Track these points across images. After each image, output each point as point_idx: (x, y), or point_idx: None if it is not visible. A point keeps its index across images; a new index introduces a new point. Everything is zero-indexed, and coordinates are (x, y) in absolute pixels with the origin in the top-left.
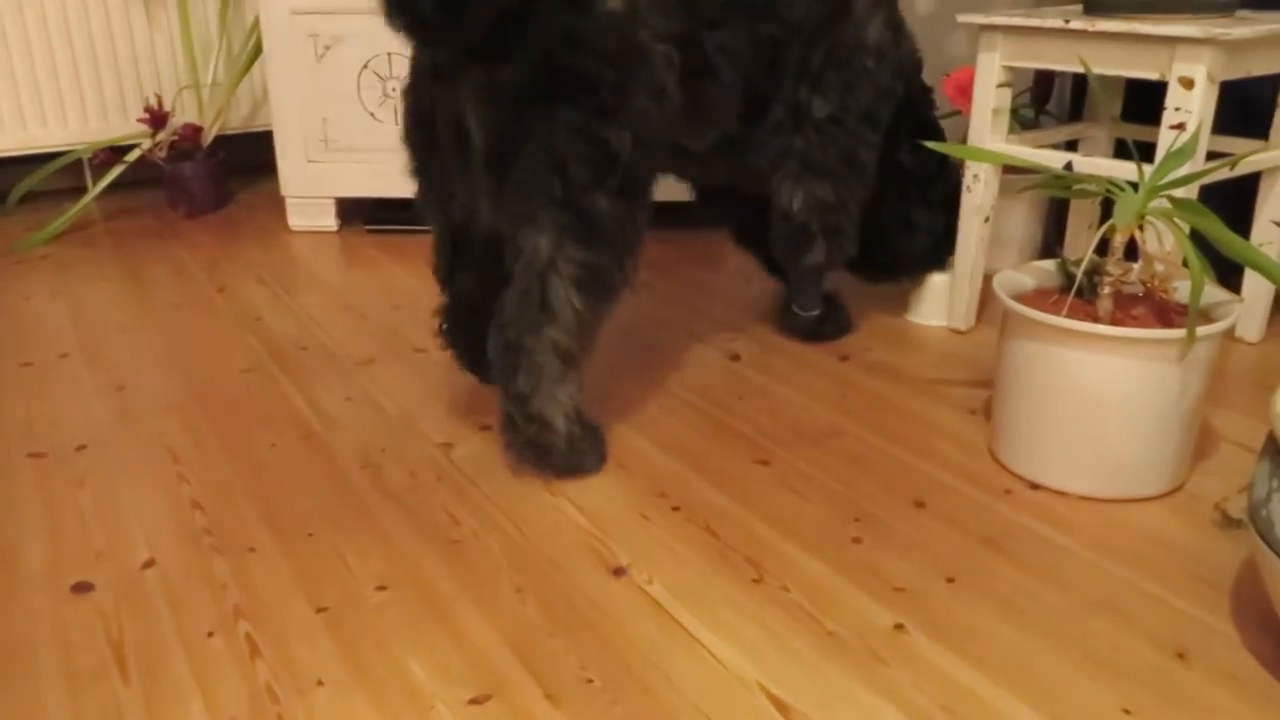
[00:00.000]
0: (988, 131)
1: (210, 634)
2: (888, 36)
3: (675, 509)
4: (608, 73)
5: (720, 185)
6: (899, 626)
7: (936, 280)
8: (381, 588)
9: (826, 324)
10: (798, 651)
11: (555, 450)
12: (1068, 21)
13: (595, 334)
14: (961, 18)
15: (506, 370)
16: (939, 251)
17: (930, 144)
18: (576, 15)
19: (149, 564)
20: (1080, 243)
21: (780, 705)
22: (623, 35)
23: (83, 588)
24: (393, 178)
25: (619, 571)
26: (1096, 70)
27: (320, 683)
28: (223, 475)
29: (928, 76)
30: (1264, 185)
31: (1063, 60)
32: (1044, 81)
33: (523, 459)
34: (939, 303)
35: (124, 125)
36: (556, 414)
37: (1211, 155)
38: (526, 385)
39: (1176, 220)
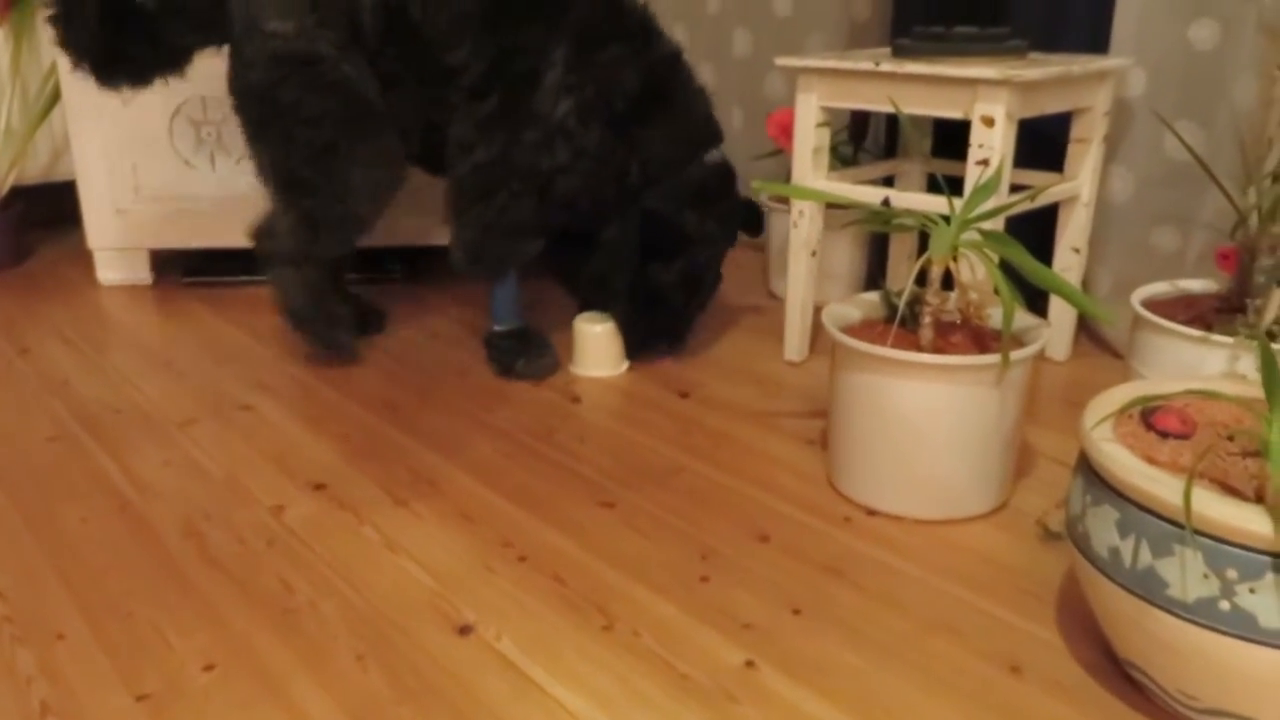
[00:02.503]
0: (810, 169)
1: None
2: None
3: (521, 559)
4: None
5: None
6: (749, 663)
7: (595, 331)
8: (209, 667)
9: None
10: (650, 697)
11: None
12: (878, 64)
13: None
14: (780, 61)
15: None
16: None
17: (761, 183)
18: None
19: None
20: (900, 274)
21: None
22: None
23: None
24: (212, 228)
25: (465, 630)
26: (906, 110)
27: None
28: (26, 555)
29: (749, 117)
30: (1062, 214)
31: (875, 101)
32: (860, 120)
33: None
34: (599, 354)
35: None
36: None
37: (1013, 188)
38: None
39: (986, 251)
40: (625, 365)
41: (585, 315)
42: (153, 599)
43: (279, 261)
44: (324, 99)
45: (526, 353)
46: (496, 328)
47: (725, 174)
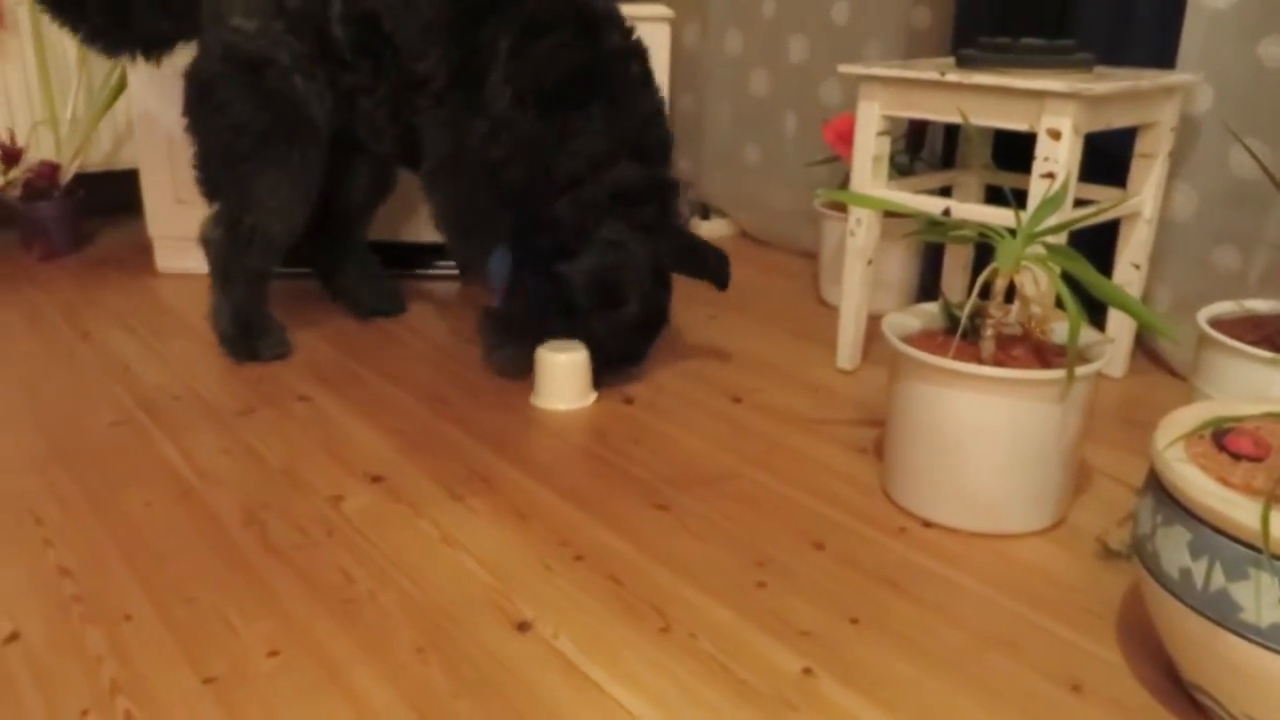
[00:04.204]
0: (869, 178)
1: (85, 712)
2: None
3: (577, 558)
4: None
5: None
6: (807, 671)
7: (558, 361)
8: (273, 653)
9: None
10: (709, 701)
11: None
12: (943, 74)
13: None
14: (843, 68)
15: None
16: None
17: (825, 191)
18: None
19: (12, 638)
20: (956, 285)
21: None
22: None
23: None
24: None
25: (524, 626)
26: (970, 121)
27: None
28: (92, 538)
29: (803, 124)
30: (1124, 230)
31: (938, 111)
32: (917, 130)
33: None
34: (562, 386)
35: None
36: None
37: (1075, 202)
38: None
39: (1050, 264)
40: (592, 397)
41: (550, 343)
42: (216, 584)
43: (213, 272)
44: (252, 107)
45: (511, 343)
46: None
47: (661, 188)
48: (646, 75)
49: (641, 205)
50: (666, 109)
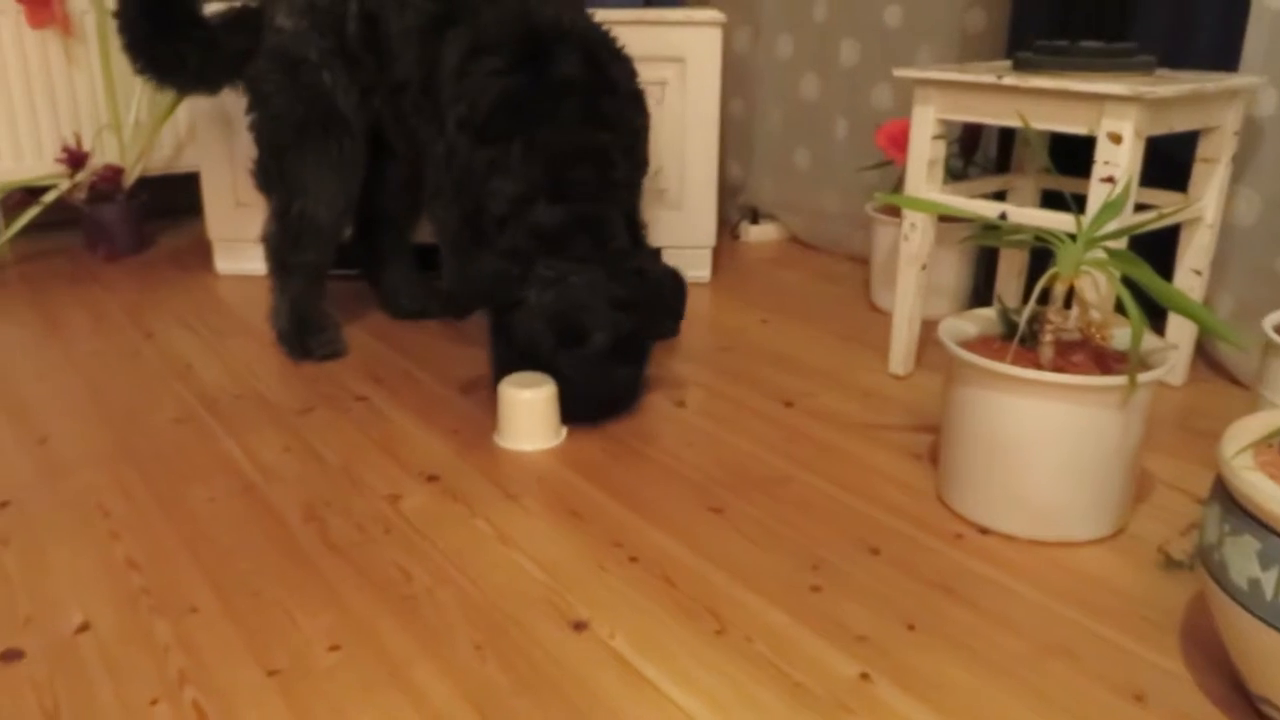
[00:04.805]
0: (924, 182)
1: (154, 702)
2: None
3: (632, 559)
4: None
5: None
6: (864, 676)
7: (521, 398)
8: (334, 648)
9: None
10: (766, 704)
11: None
12: (1000, 78)
13: None
14: (898, 72)
15: None
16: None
17: (881, 195)
18: None
19: (83, 628)
20: (1010, 290)
21: None
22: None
23: (11, 655)
24: None
25: (580, 625)
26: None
27: None
28: (158, 532)
29: (854, 128)
30: (1184, 235)
31: (995, 114)
32: (971, 134)
33: None
34: (529, 426)
35: (39, 165)
36: None
37: (1135, 208)
38: None
39: (1111, 269)
40: (562, 435)
41: (514, 378)
42: (279, 579)
43: (271, 268)
44: (289, 100)
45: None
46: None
47: (587, 223)
48: (588, 109)
49: (570, 243)
50: (627, 145)
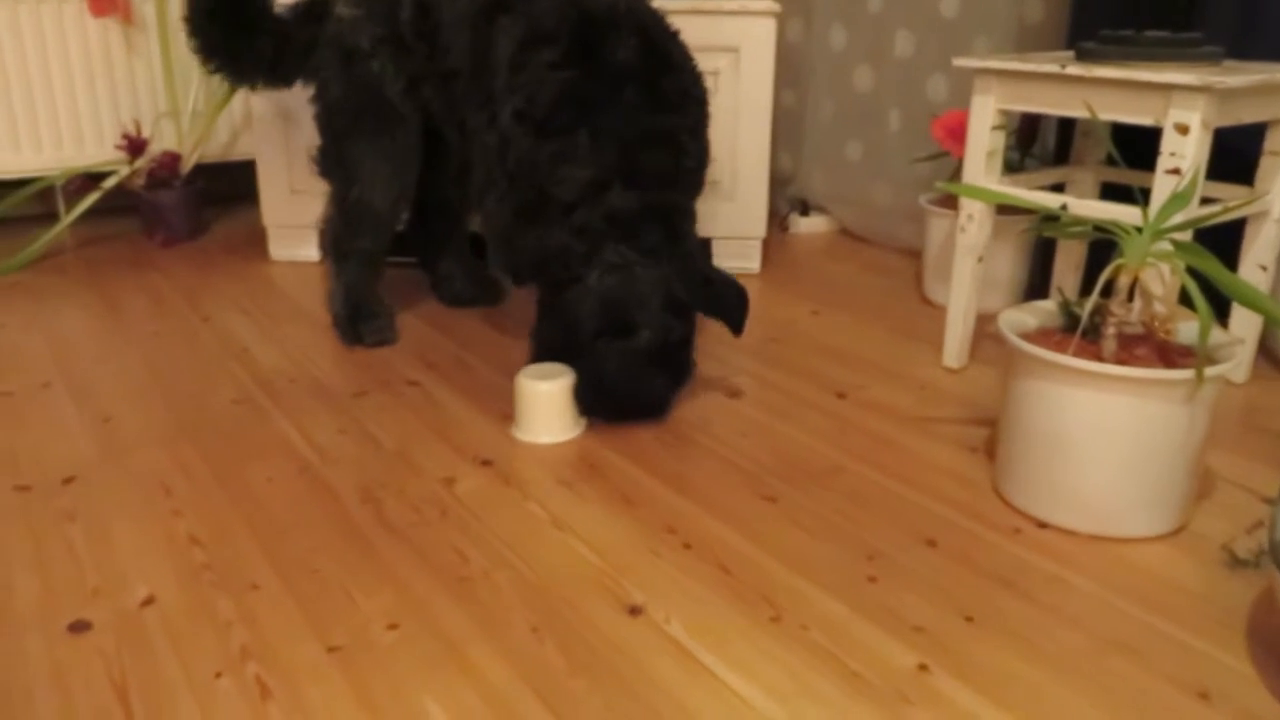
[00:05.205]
0: (982, 173)
1: (218, 674)
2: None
3: (686, 546)
4: None
5: None
6: (922, 667)
7: (539, 390)
8: (393, 626)
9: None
10: (823, 692)
11: None
12: (1064, 67)
13: None
14: (957, 61)
15: None
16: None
17: (943, 184)
18: None
19: (148, 601)
20: (1068, 283)
21: None
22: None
23: (80, 627)
24: None
25: (635, 610)
26: (1089, 116)
27: None
28: (219, 510)
29: (908, 120)
30: (1249, 230)
31: (1057, 105)
32: (1029, 125)
33: None
34: (546, 418)
35: (99, 152)
36: None
37: (1200, 200)
38: None
39: (1177, 262)
40: (581, 427)
41: (531, 369)
42: (337, 558)
43: (328, 254)
44: (344, 89)
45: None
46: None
47: (664, 214)
48: (651, 93)
49: (642, 231)
50: (692, 125)
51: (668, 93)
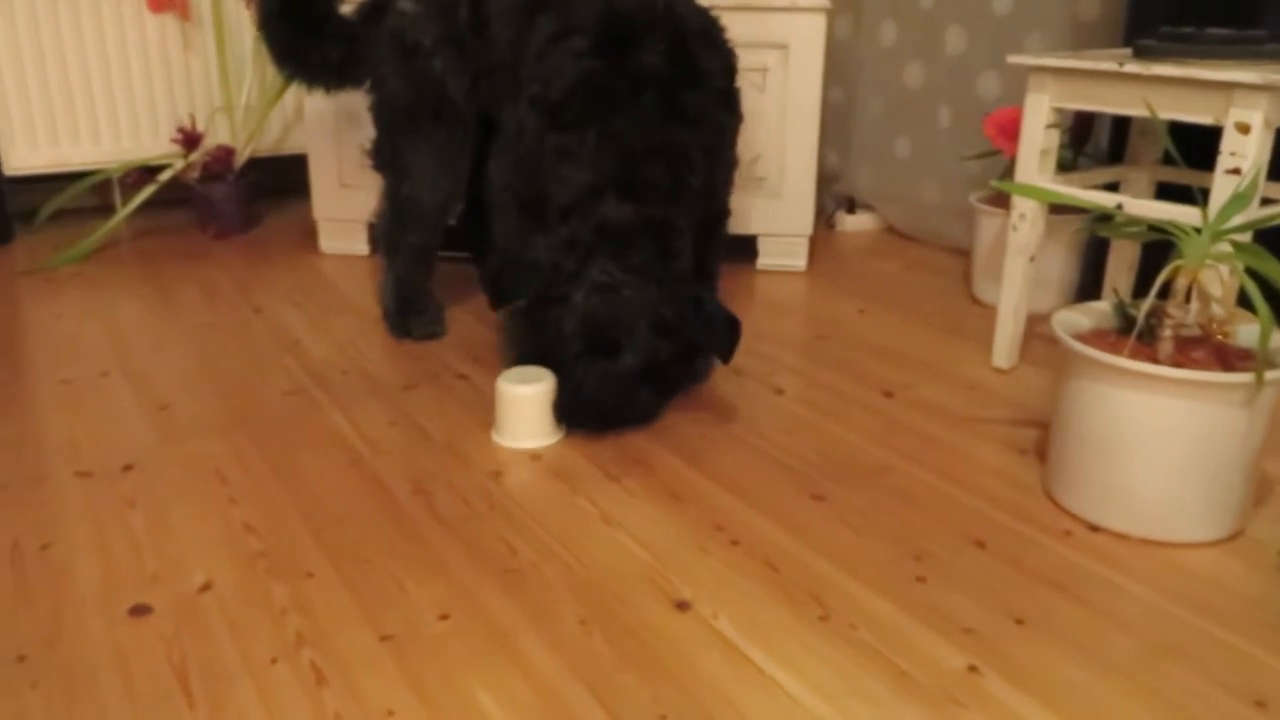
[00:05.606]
0: (1035, 171)
1: (274, 660)
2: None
3: (733, 542)
4: None
5: None
6: (972, 668)
7: (520, 394)
8: (444, 616)
9: None
10: (871, 691)
11: None
12: (1122, 65)
13: None
14: (1012, 59)
15: None
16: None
17: (997, 182)
18: None
19: (206, 587)
20: (1121, 284)
21: None
22: None
23: (140, 610)
24: None
25: (683, 605)
26: (1148, 114)
27: (390, 713)
28: (273, 499)
29: (958, 117)
30: None
31: (1114, 103)
32: (1083, 124)
33: None
34: (525, 421)
35: (155, 145)
36: None
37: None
38: None
39: (1237, 263)
40: (559, 434)
41: (509, 374)
42: (388, 548)
43: (379, 248)
44: (401, 85)
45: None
46: None
47: (658, 231)
48: (668, 103)
49: (634, 247)
50: (709, 145)
51: (687, 106)
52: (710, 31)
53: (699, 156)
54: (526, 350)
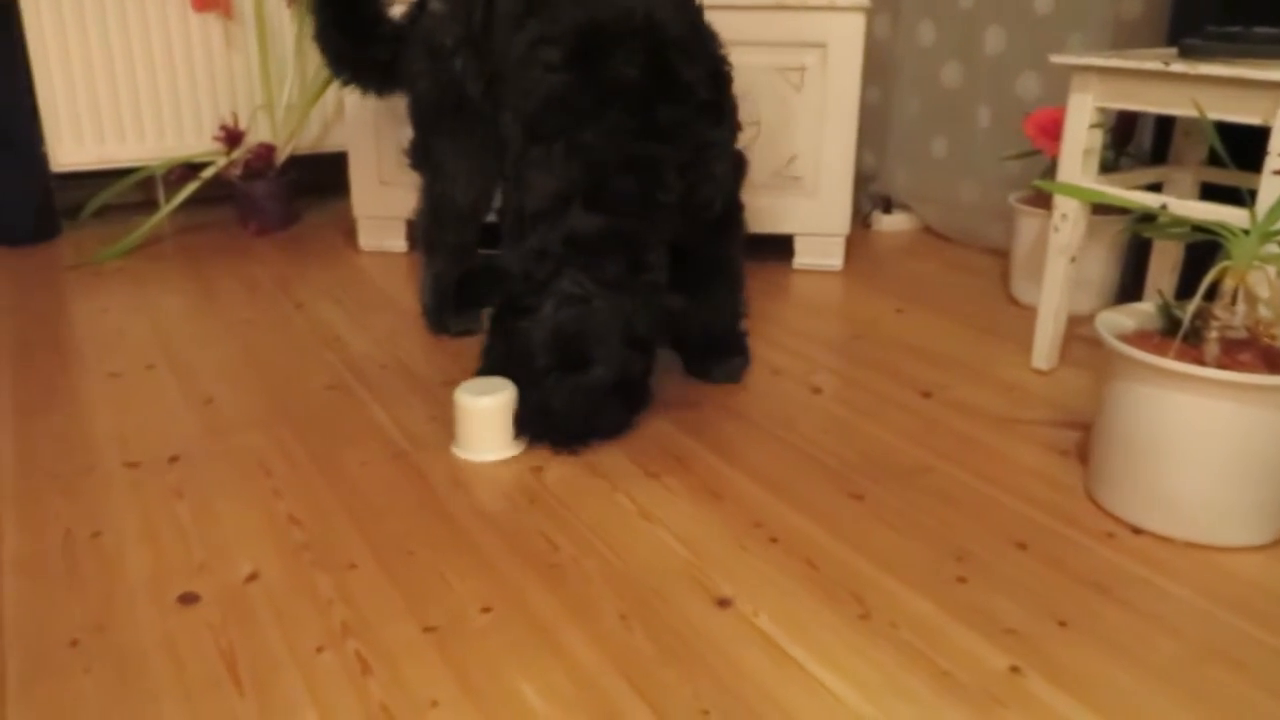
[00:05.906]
0: (1078, 171)
1: (320, 649)
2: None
3: (773, 540)
4: None
5: None
6: (1014, 669)
7: (480, 406)
8: (486, 609)
9: None
10: (913, 690)
11: None
12: (1168, 65)
13: None
14: (1055, 58)
15: None
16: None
17: (1040, 182)
18: None
19: (252, 577)
20: (1164, 286)
21: None
22: None
23: (189, 599)
24: None
25: (724, 602)
26: (1194, 114)
27: (435, 703)
28: (316, 491)
29: (997, 117)
30: None
31: (1158, 103)
32: (1125, 124)
33: None
34: (486, 434)
35: (198, 143)
36: None
37: None
38: None
39: None
40: (520, 447)
41: (467, 385)
42: (430, 541)
43: (419, 245)
44: (428, 85)
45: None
46: None
47: (627, 242)
48: (640, 116)
49: (604, 259)
50: (684, 161)
51: (661, 121)
52: (693, 41)
53: (672, 172)
54: (493, 360)
